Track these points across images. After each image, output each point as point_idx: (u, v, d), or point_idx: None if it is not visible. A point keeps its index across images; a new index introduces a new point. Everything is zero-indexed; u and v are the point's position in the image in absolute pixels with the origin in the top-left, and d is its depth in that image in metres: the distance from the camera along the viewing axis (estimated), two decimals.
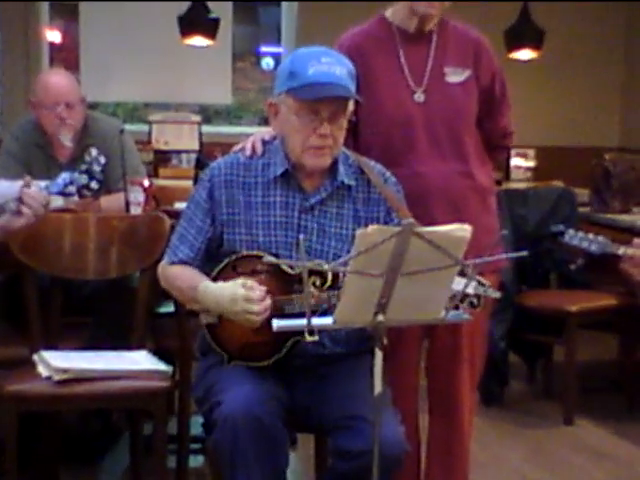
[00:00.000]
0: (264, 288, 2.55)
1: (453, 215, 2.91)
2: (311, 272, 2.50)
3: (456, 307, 2.44)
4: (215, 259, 2.74)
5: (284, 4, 7.49)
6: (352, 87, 2.68)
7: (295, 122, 2.66)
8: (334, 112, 2.64)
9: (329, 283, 2.56)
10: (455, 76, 3.09)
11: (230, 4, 7.24)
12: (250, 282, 2.55)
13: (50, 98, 4.00)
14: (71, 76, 4.20)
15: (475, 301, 2.56)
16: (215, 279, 2.67)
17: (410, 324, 2.75)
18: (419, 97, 3.07)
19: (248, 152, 2.80)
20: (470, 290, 2.48)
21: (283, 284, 2.63)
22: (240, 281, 2.56)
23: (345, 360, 2.75)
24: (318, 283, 2.56)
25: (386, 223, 2.75)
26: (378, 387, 2.31)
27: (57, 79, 4.10)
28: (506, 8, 6.83)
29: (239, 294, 2.52)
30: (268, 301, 2.54)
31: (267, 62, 8.47)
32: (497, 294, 2.66)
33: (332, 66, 2.63)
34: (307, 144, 2.66)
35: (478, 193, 3.14)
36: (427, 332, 3.18)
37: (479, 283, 2.61)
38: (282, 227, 2.72)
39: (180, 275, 2.75)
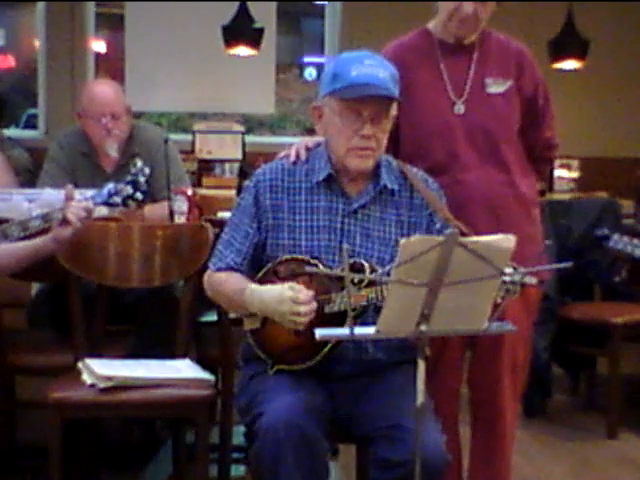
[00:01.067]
0: (311, 293, 2.56)
1: (494, 223, 2.92)
2: (351, 270, 2.50)
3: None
4: (257, 264, 2.76)
5: (328, 11, 7.50)
6: (394, 90, 2.69)
7: (338, 123, 2.67)
8: (376, 113, 2.65)
9: (367, 281, 2.57)
10: (496, 86, 3.09)
11: (274, 15, 7.26)
12: (297, 285, 2.56)
13: (96, 109, 4.02)
14: (117, 86, 4.22)
15: (512, 288, 2.53)
16: (257, 284, 2.68)
17: (453, 334, 2.74)
18: (459, 109, 3.07)
19: (292, 158, 2.82)
20: (507, 278, 2.45)
21: (322, 283, 2.65)
22: (287, 284, 2.57)
23: (386, 369, 2.74)
24: (356, 280, 2.57)
25: (428, 227, 2.77)
26: (420, 398, 2.30)
27: (103, 89, 4.12)
28: (550, 18, 6.80)
29: (286, 295, 2.53)
30: (314, 303, 2.55)
31: (310, 72, 8.50)
32: (534, 281, 2.61)
33: (375, 68, 2.65)
34: (350, 145, 2.67)
35: (521, 203, 3.13)
36: (469, 342, 3.17)
37: (514, 269, 2.57)
38: (325, 231, 2.74)
39: (226, 280, 2.76)
